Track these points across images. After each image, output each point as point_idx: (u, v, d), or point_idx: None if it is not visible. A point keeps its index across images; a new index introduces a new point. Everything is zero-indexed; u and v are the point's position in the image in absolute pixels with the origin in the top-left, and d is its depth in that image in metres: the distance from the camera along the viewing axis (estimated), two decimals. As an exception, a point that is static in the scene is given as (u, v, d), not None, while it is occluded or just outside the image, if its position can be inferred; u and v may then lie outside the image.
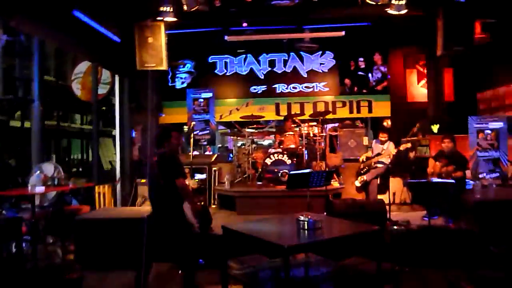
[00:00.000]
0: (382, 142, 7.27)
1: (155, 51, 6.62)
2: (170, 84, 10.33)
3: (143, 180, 7.83)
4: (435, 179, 5.86)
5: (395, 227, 5.54)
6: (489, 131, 7.29)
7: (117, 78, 7.57)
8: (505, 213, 4.88)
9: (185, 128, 9.54)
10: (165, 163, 3.74)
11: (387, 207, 5.63)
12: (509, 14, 6.95)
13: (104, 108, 15.13)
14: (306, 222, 2.87)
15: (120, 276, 4.86)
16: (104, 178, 8.44)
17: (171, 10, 6.26)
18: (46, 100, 9.13)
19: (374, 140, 7.67)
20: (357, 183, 7.26)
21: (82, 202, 7.25)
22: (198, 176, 7.72)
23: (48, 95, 10.91)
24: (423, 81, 9.76)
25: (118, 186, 7.45)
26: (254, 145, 7.83)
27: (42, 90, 8.35)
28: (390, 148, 7.11)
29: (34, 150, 8.18)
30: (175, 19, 6.37)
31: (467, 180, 6.33)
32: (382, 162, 7.09)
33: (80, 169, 16.21)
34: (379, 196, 6.92)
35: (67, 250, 5.59)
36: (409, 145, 7.22)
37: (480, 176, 6.99)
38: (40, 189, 5.53)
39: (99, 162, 12.34)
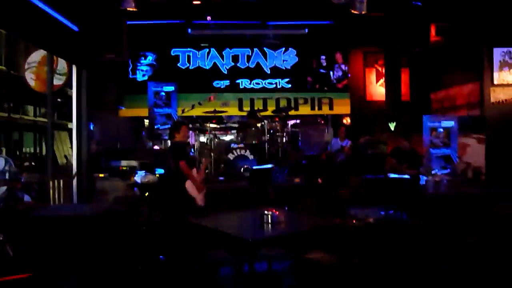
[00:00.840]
0: (342, 139, 7.48)
1: (115, 42, 6.42)
2: (130, 77, 10.04)
3: (101, 175, 7.59)
4: (391, 175, 6.09)
5: (354, 221, 5.73)
6: (441, 130, 7.67)
7: (74, 68, 7.26)
8: (455, 206, 5.16)
9: (146, 122, 9.31)
10: (175, 150, 4.79)
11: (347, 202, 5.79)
12: (461, 19, 7.33)
13: (59, 100, 14.46)
14: (269, 216, 2.90)
15: (75, 275, 4.71)
16: (58, 173, 8.08)
17: (133, -1, 6.09)
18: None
19: (334, 138, 7.85)
20: (319, 180, 7.37)
21: (35, 198, 6.92)
22: (159, 171, 7.56)
23: (-2, 85, 10.31)
24: (382, 80, 10.09)
25: (75, 182, 7.17)
26: (216, 140, 7.79)
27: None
28: (348, 145, 7.32)
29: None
30: (135, 9, 6.19)
31: (421, 176, 6.62)
32: (342, 158, 7.28)
33: (33, 163, 15.45)
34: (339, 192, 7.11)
35: (19, 249, 5.34)
36: (367, 138, 7.46)
37: (433, 172, 7.35)
38: (-11, 184, 5.25)
39: (54, 157, 11.82)
